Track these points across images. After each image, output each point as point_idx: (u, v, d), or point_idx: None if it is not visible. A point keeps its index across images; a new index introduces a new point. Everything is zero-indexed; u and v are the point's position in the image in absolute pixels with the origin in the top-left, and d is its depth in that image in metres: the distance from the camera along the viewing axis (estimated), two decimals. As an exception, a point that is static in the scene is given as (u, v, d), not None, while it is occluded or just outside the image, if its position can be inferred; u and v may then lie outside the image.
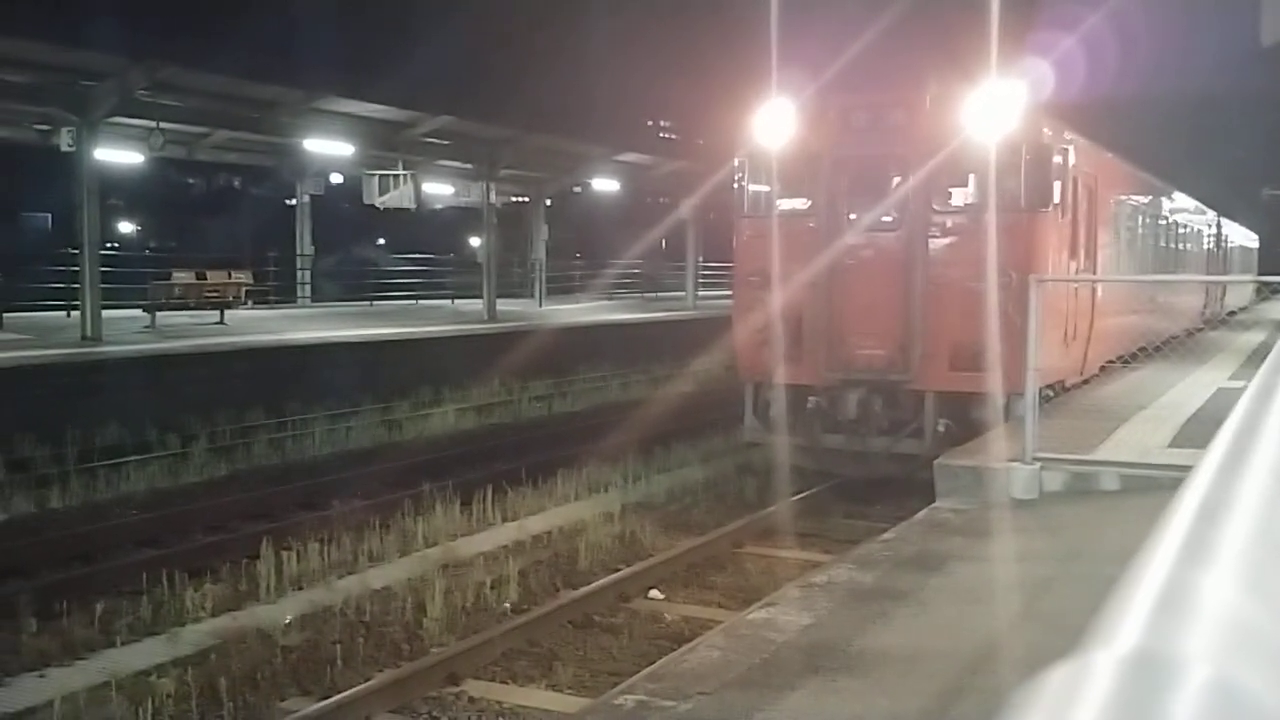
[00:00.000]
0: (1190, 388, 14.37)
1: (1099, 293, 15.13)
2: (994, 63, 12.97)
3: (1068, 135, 14.04)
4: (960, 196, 13.53)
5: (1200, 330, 25.00)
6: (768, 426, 13.99)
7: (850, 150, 13.40)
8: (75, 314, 21.42)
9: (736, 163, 14.41)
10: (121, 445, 16.04)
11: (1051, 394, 13.18)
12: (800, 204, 13.99)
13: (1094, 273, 15.47)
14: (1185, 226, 26.89)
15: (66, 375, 17.23)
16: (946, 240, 13.07)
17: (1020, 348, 11.70)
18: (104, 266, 21.97)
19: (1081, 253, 14.71)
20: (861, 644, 5.99)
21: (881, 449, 13.23)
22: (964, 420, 12.63)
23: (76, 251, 20.96)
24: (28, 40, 18.27)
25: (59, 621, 9.40)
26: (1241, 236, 42.12)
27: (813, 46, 14.95)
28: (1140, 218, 20.61)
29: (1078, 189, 14.35)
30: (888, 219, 13.40)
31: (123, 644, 8.99)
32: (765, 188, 14.21)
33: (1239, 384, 14.84)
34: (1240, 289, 36.40)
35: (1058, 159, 13.34)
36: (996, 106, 12.47)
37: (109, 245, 39.84)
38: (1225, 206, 35.93)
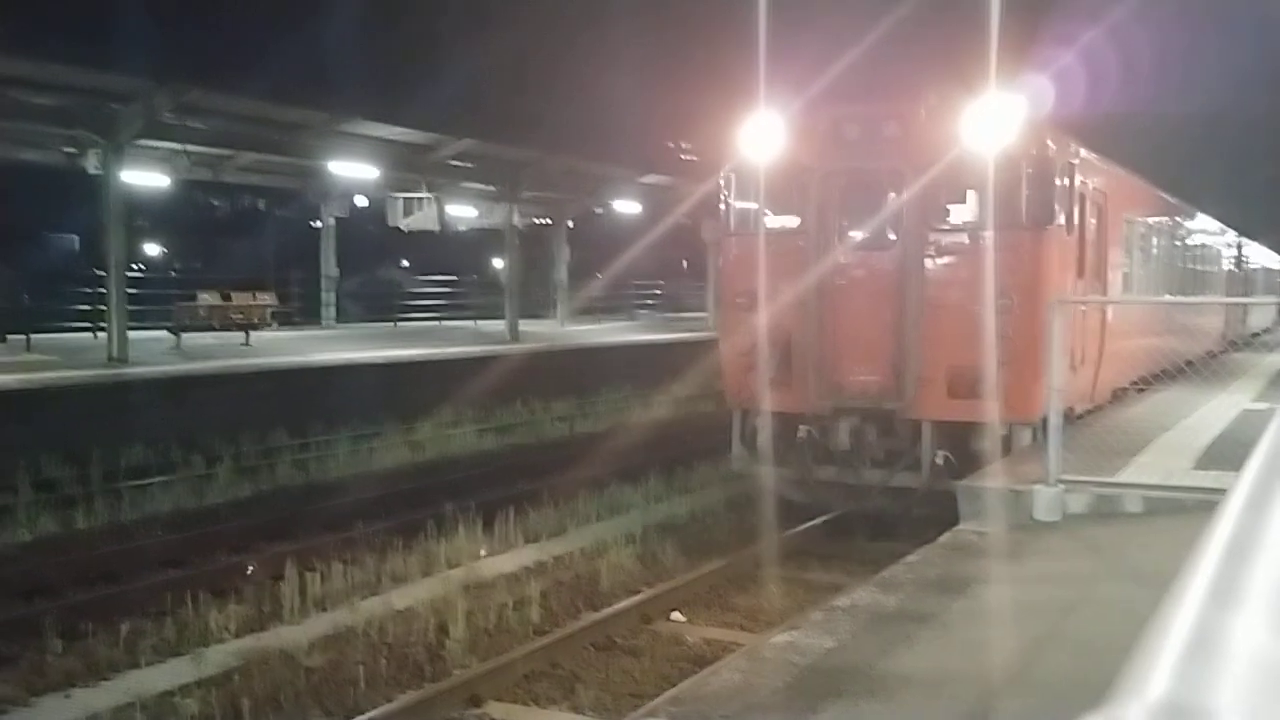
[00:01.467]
0: (1214, 410, 14.27)
1: (1109, 315, 14.39)
2: (994, 72, 12.09)
3: (1074, 150, 13.36)
4: (958, 213, 12.76)
5: (1221, 353, 23.86)
6: (756, 456, 13.24)
7: (841, 164, 12.66)
8: (102, 335, 21.60)
9: (722, 178, 13.73)
10: (146, 466, 16.15)
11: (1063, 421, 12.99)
12: (789, 221, 13.26)
13: (1104, 294, 14.67)
14: (1203, 246, 26.09)
15: (92, 396, 17.37)
16: (944, 260, 12.29)
17: (1023, 374, 11.45)
18: (130, 288, 22.16)
19: (1090, 273, 13.91)
20: (885, 667, 5.97)
21: (876, 482, 12.53)
22: (964, 451, 11.87)
23: (103, 273, 21.16)
24: (56, 63, 18.50)
25: (84, 642, 9.46)
26: (1264, 257, 41.41)
27: (803, 55, 14.22)
28: (1155, 237, 19.81)
29: (1085, 206, 13.66)
30: (881, 237, 12.73)
31: (147, 664, 9.04)
32: (752, 204, 13.48)
33: (1263, 406, 14.74)
34: (1263, 310, 35.63)
35: (1063, 174, 12.63)
36: (996, 118, 11.77)
37: (135, 267, 40.17)
38: (1247, 227, 35.32)
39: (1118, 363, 14.91)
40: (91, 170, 20.89)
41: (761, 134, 12.91)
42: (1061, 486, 9.32)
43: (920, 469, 12.26)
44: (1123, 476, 9.90)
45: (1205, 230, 26.19)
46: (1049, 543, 8.69)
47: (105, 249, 20.88)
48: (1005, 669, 5.87)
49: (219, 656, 9.14)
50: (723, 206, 13.73)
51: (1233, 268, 31.67)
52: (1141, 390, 15.32)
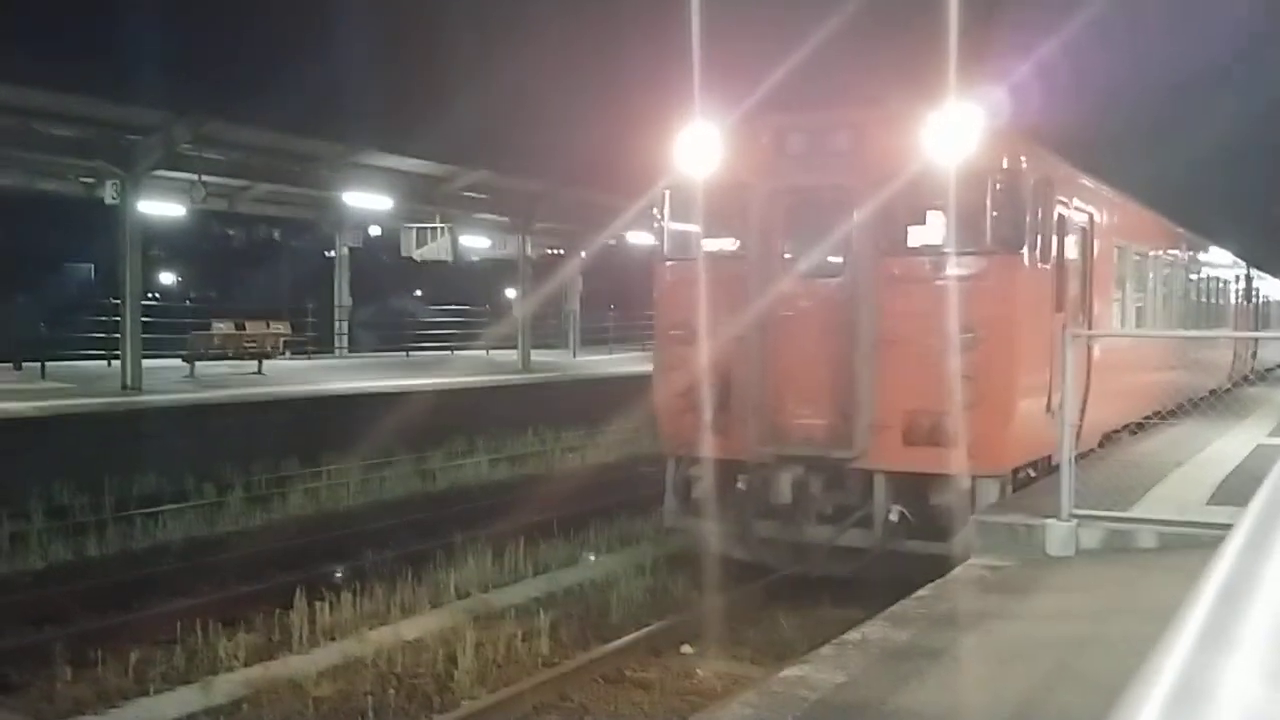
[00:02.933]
0: (1228, 444, 14.20)
1: (1096, 350, 12.79)
2: (957, 77, 10.92)
3: (1052, 167, 12.03)
4: (916, 236, 11.34)
5: (1229, 390, 22.44)
6: (690, 509, 11.86)
7: (785, 180, 11.35)
8: (116, 363, 21.69)
9: (656, 198, 12.40)
10: (159, 494, 16.19)
11: (1031, 474, 11.52)
12: (728, 245, 12.00)
13: (1089, 329, 13.02)
14: (1209, 278, 24.63)
15: (106, 424, 17.43)
16: (900, 289, 10.86)
17: (989, 420, 10.43)
18: (145, 317, 22.27)
19: (1073, 306, 12.50)
20: (896, 703, 5.93)
21: (822, 540, 11.16)
22: (922, 507, 10.73)
23: (118, 302, 21.28)
24: (75, 95, 18.68)
25: (94, 670, 9.45)
26: (1277, 290, 39.30)
27: (743, 59, 12.94)
28: (1153, 268, 18.02)
29: (1067, 230, 12.29)
30: (830, 263, 11.45)
31: (156, 693, 9.02)
32: (689, 226, 12.18)
33: (1278, 441, 14.67)
34: (1276, 345, 33.94)
35: (1037, 193, 11.20)
36: (959, 128, 10.50)
37: (150, 296, 40.37)
38: (1258, 258, 33.95)
39: (1107, 403, 13.41)
40: (109, 200, 21.04)
41: (696, 147, 11.60)
42: (1074, 521, 9.27)
43: (872, 526, 10.95)
44: (1136, 511, 9.84)
45: (1211, 261, 25.01)
46: (1062, 578, 8.64)
47: (121, 278, 21.01)
48: (1016, 706, 5.82)
49: (228, 685, 9.12)
50: (657, 229, 12.55)
51: (1242, 300, 30.24)
52: (1135, 434, 14.60)
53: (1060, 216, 12.02)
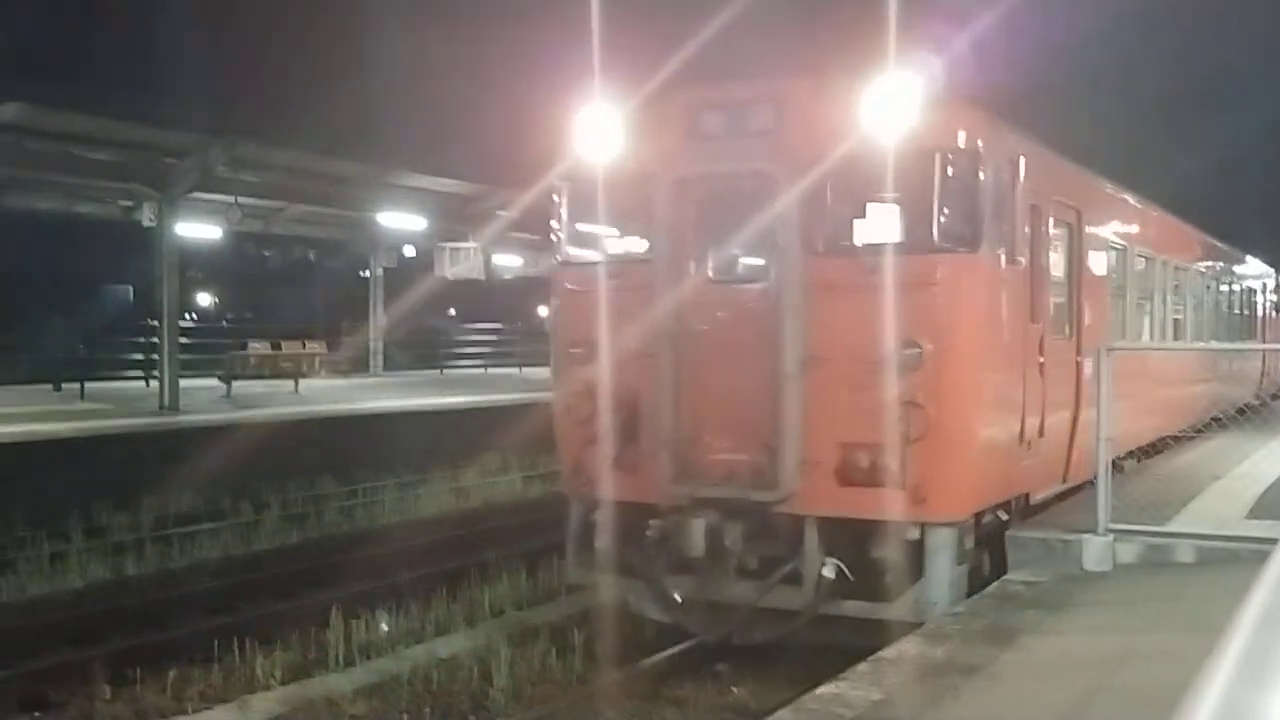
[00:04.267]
0: (1266, 457, 14.04)
1: (1086, 368, 10.91)
2: (899, 39, 9.14)
3: (1022, 148, 10.04)
4: (853, 232, 9.47)
5: (1259, 405, 20.00)
6: (595, 562, 9.98)
7: (696, 167, 9.56)
8: (154, 384, 21.93)
9: (552, 193, 10.63)
10: (196, 513, 16.33)
11: (1002, 517, 9.87)
12: (635, 246, 10.32)
13: (1076, 343, 11.29)
14: (1232, 286, 22.68)
15: (144, 444, 17.61)
16: (834, 296, 9.00)
17: (940, 454, 8.59)
18: (182, 338, 22.52)
19: (1054, 315, 10.78)
20: (932, 719, 5.89)
21: (744, 600, 9.37)
22: (861, 560, 8.89)
23: (156, 323, 21.54)
24: (112, 119, 18.95)
25: (132, 688, 9.53)
26: None
27: (650, 26, 11.17)
28: (1161, 273, 15.96)
29: (1045, 226, 10.46)
30: (752, 265, 9.83)
31: (194, 711, 9.09)
32: (590, 225, 10.56)
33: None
34: None
35: (1000, 178, 9.35)
36: (900, 99, 8.79)
37: (187, 316, 40.81)
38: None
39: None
40: (146, 223, 21.32)
41: (595, 132, 9.90)
42: (1111, 536, 9.21)
43: (803, 583, 9.11)
44: (1174, 526, 9.76)
45: (1235, 268, 23.08)
46: (1099, 593, 8.57)
47: (158, 299, 21.26)
48: (1055, 722, 5.77)
49: (264, 704, 9.18)
50: (553, 229, 10.74)
51: (1272, 311, 28.26)
52: (1142, 460, 13.41)
53: (1035, 209, 10.15)
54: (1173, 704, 1.00)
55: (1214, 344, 19.93)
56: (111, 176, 21.35)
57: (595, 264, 10.26)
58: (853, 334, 8.90)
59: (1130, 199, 14.60)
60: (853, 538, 8.96)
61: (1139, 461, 13.37)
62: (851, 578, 8.93)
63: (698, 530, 9.19)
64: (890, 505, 8.71)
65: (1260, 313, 26.49)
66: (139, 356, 26.68)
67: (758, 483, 9.17)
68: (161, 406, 20.49)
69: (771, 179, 9.19)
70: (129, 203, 22.57)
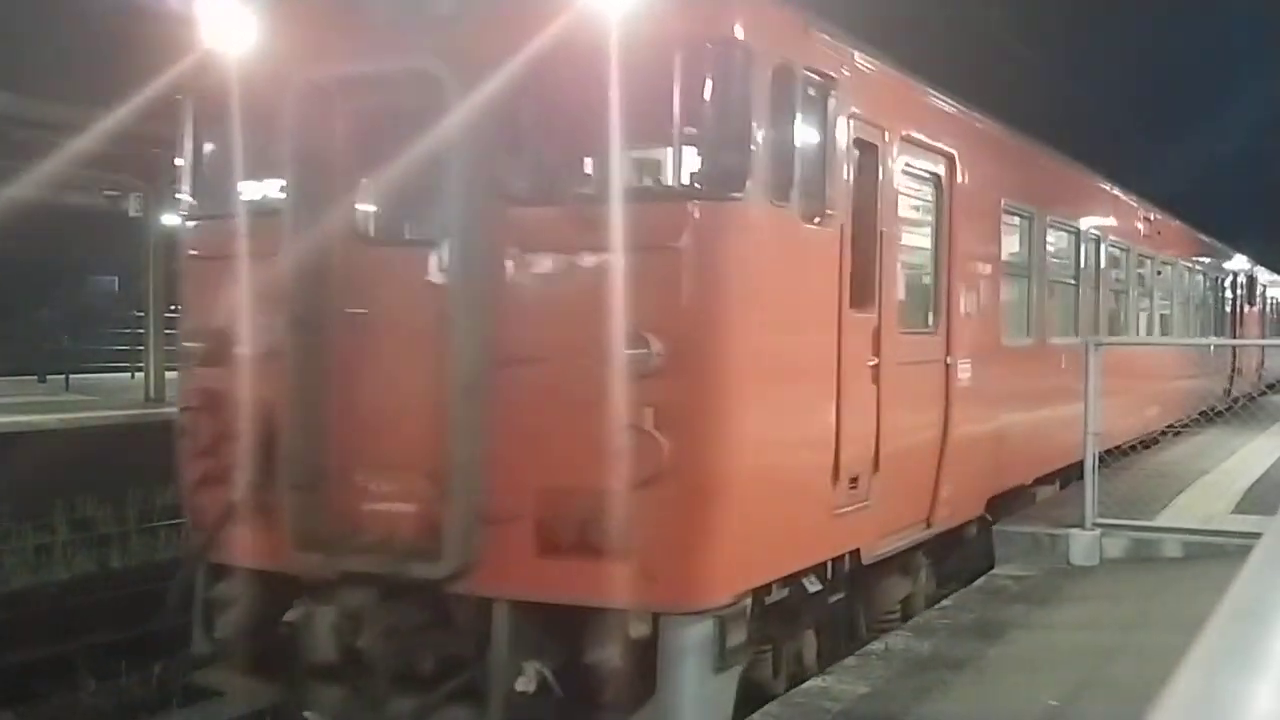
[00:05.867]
0: (1253, 452, 14.10)
1: (958, 373, 8.69)
2: None
3: (845, 58, 7.10)
4: (561, 169, 6.63)
5: (1222, 411, 15.68)
6: (220, 651, 6.92)
7: (338, 66, 6.51)
8: (140, 375, 21.82)
9: (179, 117, 7.37)
10: (181, 505, 16.22)
11: (810, 587, 6.81)
12: (271, 191, 7.11)
13: (946, 341, 8.67)
14: (1192, 272, 19.70)
15: (129, 435, 17.52)
16: (533, 266, 6.21)
17: (684, 505, 5.76)
18: (169, 328, 22.41)
19: (894, 299, 7.70)
20: (919, 713, 5.90)
21: None
22: (574, 664, 5.98)
23: (141, 314, 21.41)
24: (99, 109, 18.79)
25: (117, 680, 9.49)
26: None
27: None
28: (1086, 250, 13.09)
29: (880, 172, 7.54)
30: (418, 220, 7.05)
31: (179, 706, 9.05)
32: (222, 160, 7.19)
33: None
34: None
35: (796, 94, 6.45)
36: None
37: (175, 307, 40.58)
38: (1264, 251, 29.78)
39: (988, 456, 9.47)
40: (132, 214, 21.19)
41: (224, 22, 6.84)
42: (1098, 530, 9.24)
43: (487, 698, 6.07)
44: (1161, 520, 9.80)
45: (1198, 252, 20.34)
46: (1086, 588, 8.60)
47: (144, 290, 21.15)
48: (1042, 716, 5.79)
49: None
50: (179, 167, 7.50)
51: (1243, 303, 25.46)
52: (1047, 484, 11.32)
53: (868, 148, 7.34)
54: (1156, 698, 0.99)
55: (1167, 340, 17.58)
56: (98, 167, 21.15)
57: (227, 218, 7.00)
58: (563, 324, 6.00)
59: (1044, 155, 11.81)
60: (563, 632, 6.01)
61: (1061, 489, 11.47)
62: (558, 691, 6.00)
63: (323, 624, 6.25)
64: (608, 584, 5.74)
65: (1230, 307, 24.11)
66: (125, 348, 26.45)
67: (425, 547, 6.13)
68: (147, 397, 20.40)
69: (438, 85, 6.09)
70: (115, 193, 22.41)
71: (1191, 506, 10.51)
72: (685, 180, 6.10)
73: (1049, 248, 11.68)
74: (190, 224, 7.59)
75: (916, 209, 8.49)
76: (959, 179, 8.81)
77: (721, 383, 5.96)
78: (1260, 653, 1.00)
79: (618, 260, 5.82)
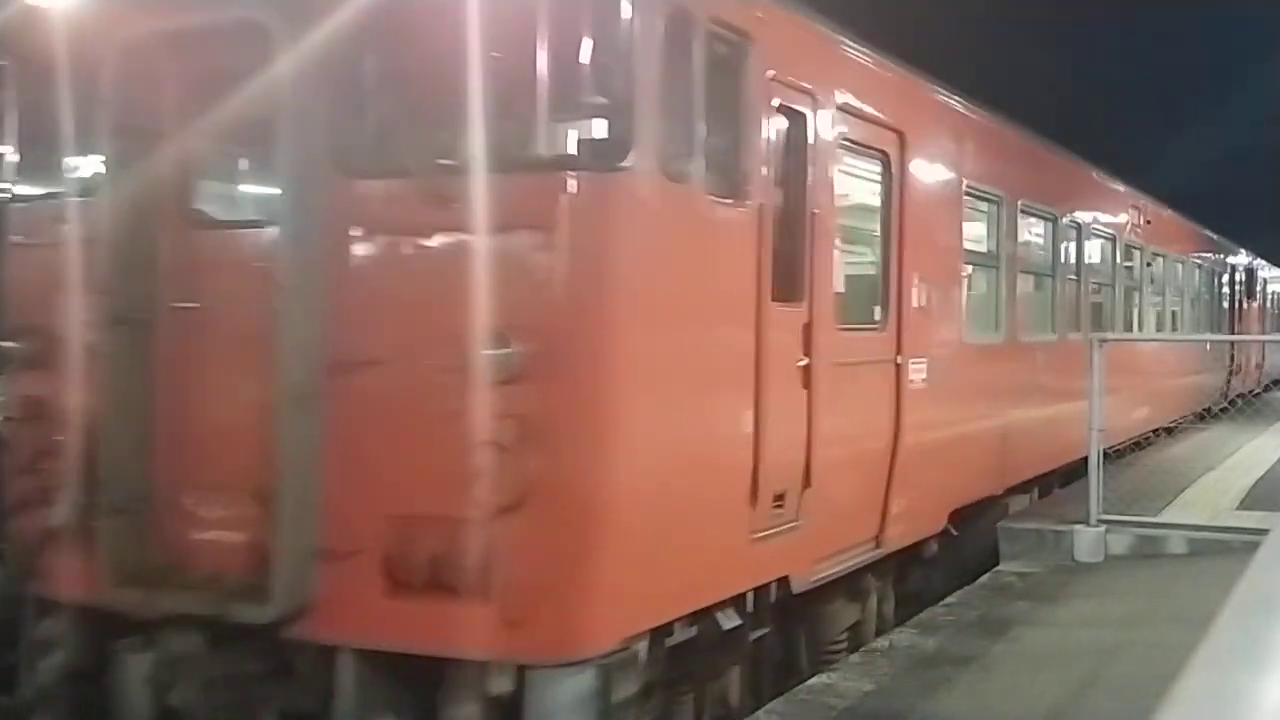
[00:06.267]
0: (1259, 448, 14.09)
1: (912, 374, 7.77)
2: None
3: (768, 13, 6.22)
4: (414, 137, 5.39)
5: (1216, 412, 15.38)
6: (43, 699, 5.90)
7: (155, 20, 5.60)
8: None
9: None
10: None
11: (724, 624, 5.87)
12: (88, 164, 6.10)
13: (897, 339, 7.69)
14: (1180, 265, 18.40)
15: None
16: (376, 250, 5.33)
17: (548, 537, 4.84)
18: None
19: (829, 291, 6.75)
20: (924, 710, 5.90)
21: None
22: None
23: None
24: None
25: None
26: None
27: None
28: (1063, 239, 11.93)
29: (810, 146, 6.57)
30: (244, 199, 6.55)
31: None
32: (46, 133, 6.10)
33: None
34: None
35: (698, 50, 5.51)
36: None
37: None
38: (1266, 245, 28.69)
39: (947, 468, 8.48)
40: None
41: None
42: (1103, 527, 9.23)
43: None
44: (1165, 516, 9.80)
45: (1190, 244, 19.22)
46: (1091, 584, 8.60)
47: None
48: (1047, 713, 5.79)
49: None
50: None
51: (1241, 299, 24.59)
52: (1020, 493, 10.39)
53: (795, 117, 6.45)
54: (1165, 694, 0.99)
55: (1167, 336, 16.99)
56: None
57: (52, 199, 6.13)
58: (413, 320, 5.10)
59: (1015, 135, 10.64)
60: (420, 686, 5.14)
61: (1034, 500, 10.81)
62: None
63: (136, 673, 5.43)
64: (466, 631, 4.84)
65: (1229, 302, 23.19)
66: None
67: (249, 587, 5.20)
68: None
69: (266, 37, 5.17)
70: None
71: (1196, 502, 10.51)
72: (559, 148, 5.21)
73: (1022, 237, 10.62)
74: (12, 206, 6.41)
75: (860, 190, 7.71)
76: (911, 157, 7.88)
77: (601, 388, 5.02)
78: (1267, 648, 0.99)
79: (478, 243, 4.91)
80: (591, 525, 4.94)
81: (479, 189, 4.88)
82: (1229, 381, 20.39)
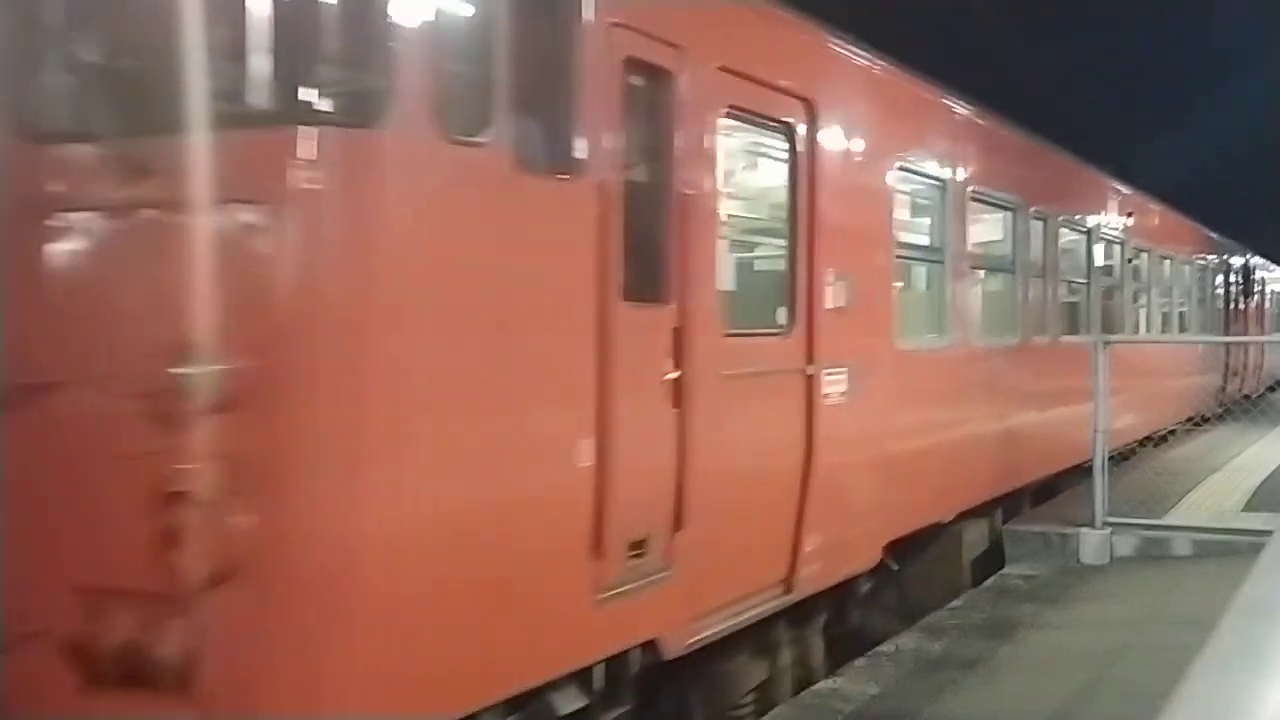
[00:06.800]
0: (1263, 450, 14.06)
1: (825, 386, 6.50)
2: None
3: None
4: (107, 88, 4.27)
5: (1209, 418, 14.36)
6: None
7: None
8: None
9: None
10: None
11: (578, 702, 4.79)
12: None
13: (805, 342, 6.40)
14: (1169, 261, 17.27)
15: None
16: (67, 240, 4.07)
17: (286, 612, 3.73)
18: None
19: (709, 289, 5.53)
20: (930, 713, 5.90)
21: None
22: None
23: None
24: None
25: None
26: None
27: None
28: (1021, 230, 10.41)
29: (679, 110, 5.33)
30: None
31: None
32: None
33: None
34: None
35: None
36: None
37: None
38: (1265, 243, 27.75)
39: (878, 493, 7.34)
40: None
41: None
42: (1108, 529, 9.23)
43: None
44: (1170, 519, 9.80)
45: (1178, 240, 17.90)
46: (1096, 586, 8.60)
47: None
48: (1052, 716, 5.79)
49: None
50: None
51: (1238, 298, 23.66)
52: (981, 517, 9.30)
53: (645, 69, 5.14)
54: (1168, 699, 1.00)
55: (1168, 338, 16.35)
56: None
57: None
58: (96, 330, 3.95)
59: (965, 112, 9.36)
60: None
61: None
62: None
63: None
64: None
65: (1224, 302, 22.05)
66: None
67: None
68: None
69: None
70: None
71: (1201, 504, 10.50)
72: (289, 97, 3.75)
73: (973, 228, 9.23)
74: None
75: (758, 170, 6.68)
76: (822, 131, 6.56)
77: (350, 418, 3.77)
78: (1269, 653, 0.99)
79: (180, 224, 3.62)
80: (335, 599, 3.74)
81: (189, 153, 3.56)
82: (1225, 383, 19.33)
